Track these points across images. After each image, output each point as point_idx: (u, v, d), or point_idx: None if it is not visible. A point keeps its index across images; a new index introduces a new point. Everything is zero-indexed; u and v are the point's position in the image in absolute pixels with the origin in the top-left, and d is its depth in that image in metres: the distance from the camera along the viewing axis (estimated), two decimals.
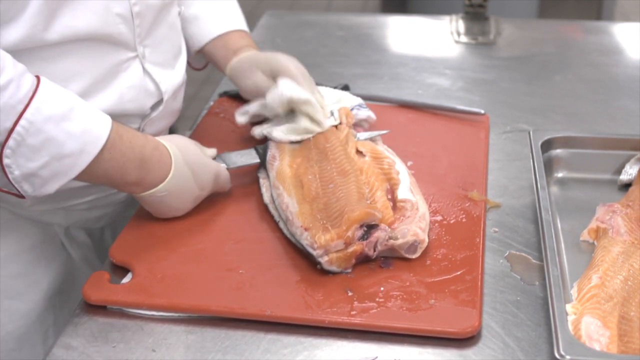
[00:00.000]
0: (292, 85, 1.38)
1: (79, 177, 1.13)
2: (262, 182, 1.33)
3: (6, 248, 1.32)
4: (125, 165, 1.16)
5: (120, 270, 1.18)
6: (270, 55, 1.46)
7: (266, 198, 1.29)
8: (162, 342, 1.06)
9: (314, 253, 1.13)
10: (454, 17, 2.20)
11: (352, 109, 1.46)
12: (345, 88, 1.67)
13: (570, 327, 1.01)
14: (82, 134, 1.10)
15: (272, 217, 1.26)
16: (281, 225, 1.23)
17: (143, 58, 1.31)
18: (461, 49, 2.05)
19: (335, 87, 1.61)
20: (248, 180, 1.38)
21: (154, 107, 1.35)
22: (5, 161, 1.08)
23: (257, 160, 1.37)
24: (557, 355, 0.96)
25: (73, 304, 1.34)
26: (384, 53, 2.02)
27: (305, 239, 1.15)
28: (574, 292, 1.11)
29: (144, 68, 1.31)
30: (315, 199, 1.23)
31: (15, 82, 1.05)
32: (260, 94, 1.44)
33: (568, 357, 0.95)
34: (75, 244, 1.44)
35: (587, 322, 1.02)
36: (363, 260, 1.16)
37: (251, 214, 1.29)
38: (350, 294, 1.11)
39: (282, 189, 1.26)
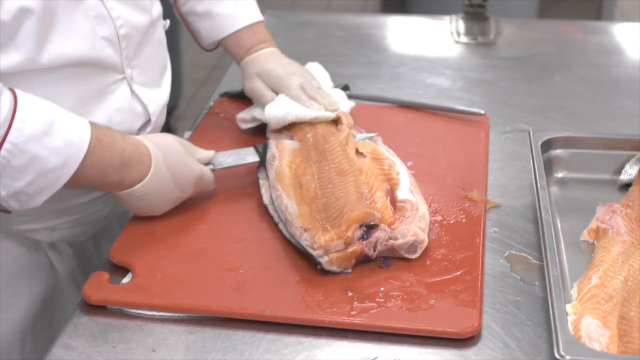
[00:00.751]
0: (287, 107, 1.43)
1: (64, 186, 1.14)
2: (262, 182, 1.33)
3: None
4: (105, 170, 1.17)
5: (120, 270, 1.18)
6: (274, 71, 1.51)
7: (265, 199, 1.29)
8: (162, 342, 1.06)
9: (314, 253, 1.13)
10: (454, 17, 2.19)
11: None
12: (345, 88, 1.68)
13: (570, 327, 1.01)
14: (64, 147, 1.10)
15: (272, 217, 1.26)
16: (281, 226, 1.23)
17: (131, 80, 1.31)
18: (461, 49, 2.05)
19: (335, 87, 1.62)
20: (248, 181, 1.38)
21: (142, 127, 1.36)
22: None
23: (246, 161, 1.37)
24: (557, 356, 0.96)
25: (55, 313, 1.39)
26: (384, 53, 2.02)
27: (305, 240, 1.15)
28: (574, 292, 1.11)
29: (131, 90, 1.32)
30: (314, 199, 1.23)
31: None
32: (256, 99, 1.52)
33: (568, 357, 0.95)
34: (59, 256, 1.43)
35: (587, 322, 1.02)
36: (363, 261, 1.16)
37: (251, 214, 1.29)
38: (350, 294, 1.11)
39: (281, 190, 1.26)
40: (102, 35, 1.23)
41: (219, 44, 1.60)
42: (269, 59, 1.54)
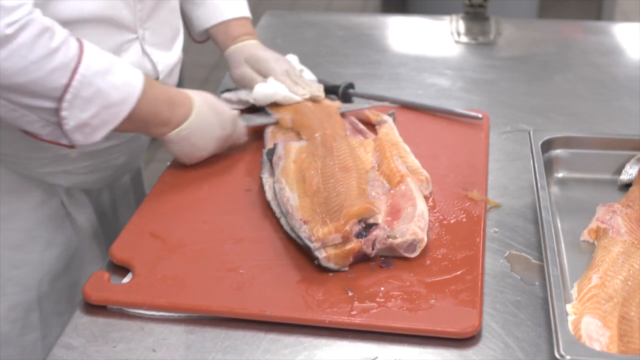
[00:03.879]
0: (276, 87, 1.53)
1: (120, 124, 1.25)
2: (265, 180, 1.33)
3: (10, 205, 1.42)
4: (157, 107, 1.30)
5: (121, 270, 1.18)
6: (261, 56, 1.61)
7: (269, 195, 1.30)
8: (162, 342, 1.06)
9: (312, 245, 1.14)
10: (454, 17, 2.20)
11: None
12: (350, 87, 1.70)
13: (571, 327, 1.01)
14: (123, 85, 1.24)
15: (273, 216, 1.26)
16: (282, 221, 1.24)
17: (143, 40, 1.40)
18: (461, 49, 2.05)
19: (339, 86, 1.69)
20: (249, 180, 1.38)
21: None
22: (63, 114, 1.20)
23: (270, 120, 1.51)
24: (557, 355, 0.96)
25: (73, 263, 1.50)
26: (384, 53, 2.02)
27: (303, 232, 1.16)
28: (574, 292, 1.11)
29: (143, 49, 1.40)
30: (316, 193, 1.23)
31: (66, 43, 1.18)
32: (246, 85, 1.60)
33: (568, 357, 0.95)
34: (75, 204, 1.51)
35: (587, 322, 1.02)
36: (362, 259, 1.16)
37: (251, 213, 1.29)
38: (350, 294, 1.11)
39: (285, 183, 1.27)
40: None
41: (208, 34, 1.68)
42: (254, 47, 1.64)
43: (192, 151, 1.38)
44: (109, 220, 1.63)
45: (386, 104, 1.63)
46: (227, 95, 1.61)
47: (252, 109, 1.59)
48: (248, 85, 1.59)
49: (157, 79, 1.43)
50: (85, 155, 1.42)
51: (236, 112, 1.44)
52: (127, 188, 1.68)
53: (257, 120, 1.52)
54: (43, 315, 1.49)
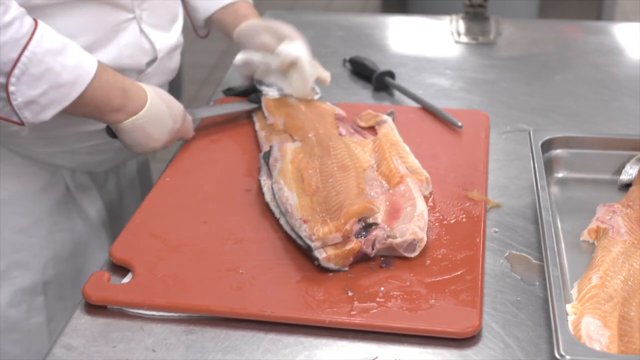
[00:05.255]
0: (301, 47, 1.57)
1: (71, 106, 1.28)
2: (264, 183, 1.33)
3: (14, 188, 1.45)
4: (110, 93, 1.32)
5: (121, 270, 1.18)
6: (276, 24, 1.63)
7: (267, 197, 1.29)
8: (162, 342, 1.06)
9: (312, 245, 1.14)
10: (454, 17, 2.20)
11: None
12: (390, 75, 1.76)
13: (571, 327, 1.01)
14: (75, 67, 1.27)
15: (272, 216, 1.26)
16: (282, 221, 1.24)
17: (140, 20, 1.44)
18: (461, 49, 2.05)
19: (374, 71, 1.76)
20: (249, 180, 1.38)
21: (149, 63, 1.48)
22: (11, 88, 1.22)
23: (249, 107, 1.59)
24: (557, 355, 0.96)
25: (79, 248, 1.53)
26: (384, 53, 2.02)
27: (303, 231, 1.16)
28: (574, 292, 1.11)
29: (140, 28, 1.45)
30: (315, 192, 1.24)
31: (19, 20, 1.21)
32: (265, 50, 1.60)
33: (568, 357, 0.95)
34: (80, 189, 1.55)
35: (587, 322, 1.02)
36: (362, 259, 1.16)
37: (251, 214, 1.29)
38: (350, 293, 1.11)
39: (283, 183, 1.27)
40: None
41: (212, 22, 1.69)
42: (267, 21, 1.65)
43: (146, 141, 1.40)
44: (115, 208, 1.66)
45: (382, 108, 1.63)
46: (243, 56, 1.62)
47: (245, 92, 1.64)
48: (269, 51, 1.59)
49: (155, 58, 1.48)
50: (85, 135, 1.46)
51: (183, 109, 1.48)
52: (133, 177, 1.72)
53: (203, 113, 1.56)
54: (48, 300, 1.51)
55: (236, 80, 1.78)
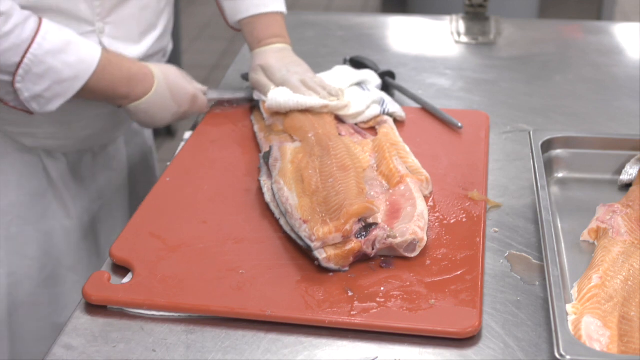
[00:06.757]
0: (288, 96, 1.50)
1: (76, 96, 1.41)
2: (264, 183, 1.33)
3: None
4: (114, 83, 1.44)
5: (121, 270, 1.18)
6: (276, 67, 1.58)
7: (267, 197, 1.29)
8: (162, 342, 1.06)
9: (312, 245, 1.14)
10: (454, 17, 2.20)
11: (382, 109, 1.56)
12: (390, 75, 1.73)
13: (571, 327, 1.01)
14: (77, 63, 1.39)
15: (272, 216, 1.26)
16: (282, 222, 1.24)
17: (101, 33, 1.49)
18: (461, 49, 2.05)
19: (376, 71, 1.72)
20: (249, 180, 1.38)
21: None
22: (17, 86, 1.37)
23: (236, 96, 1.63)
24: (557, 356, 0.96)
25: (48, 211, 1.62)
26: (384, 53, 2.02)
27: (304, 231, 1.16)
28: (574, 292, 1.11)
29: (100, 41, 1.49)
30: (315, 192, 1.24)
31: (20, 26, 1.33)
32: (259, 91, 1.60)
33: (568, 357, 0.95)
34: (52, 160, 1.61)
35: (587, 322, 1.02)
36: (362, 259, 1.16)
37: (251, 214, 1.29)
38: (350, 294, 1.11)
39: (283, 183, 1.27)
40: None
41: (240, 26, 1.68)
42: (275, 55, 1.60)
43: (150, 122, 1.53)
44: (85, 178, 1.70)
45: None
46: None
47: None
48: (262, 91, 1.58)
49: None
50: (45, 121, 1.53)
51: (197, 90, 1.56)
52: (112, 157, 1.75)
53: (221, 95, 1.64)
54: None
55: (236, 81, 1.78)
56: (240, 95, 1.65)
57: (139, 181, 1.83)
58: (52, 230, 1.61)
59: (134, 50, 1.54)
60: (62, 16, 1.43)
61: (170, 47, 1.71)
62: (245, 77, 1.70)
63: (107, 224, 1.74)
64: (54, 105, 1.40)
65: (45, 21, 1.36)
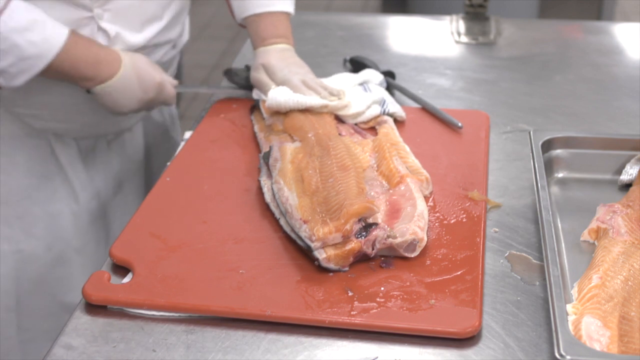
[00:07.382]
0: (288, 95, 1.50)
1: (41, 74, 1.43)
2: (264, 183, 1.33)
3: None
4: (79, 64, 1.46)
5: (121, 270, 1.18)
6: (277, 66, 1.58)
7: (267, 197, 1.29)
8: (163, 342, 1.06)
9: (312, 245, 1.14)
10: (454, 17, 2.20)
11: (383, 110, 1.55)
12: (390, 74, 1.73)
13: (571, 327, 1.01)
14: (41, 42, 1.40)
15: (272, 216, 1.26)
16: (282, 222, 1.24)
17: (100, 19, 1.51)
18: (461, 49, 2.05)
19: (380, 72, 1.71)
20: (249, 180, 1.38)
21: None
22: None
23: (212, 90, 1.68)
24: (557, 356, 0.96)
25: (55, 195, 1.64)
26: (384, 53, 2.02)
27: (304, 231, 1.16)
28: (574, 292, 1.11)
29: (98, 26, 1.51)
30: (315, 192, 1.24)
31: None
32: (260, 90, 1.60)
33: (568, 357, 0.95)
34: (61, 144, 1.63)
35: (587, 322, 1.02)
36: (362, 259, 1.16)
37: (251, 213, 1.29)
38: (350, 294, 1.11)
39: (283, 183, 1.27)
40: None
41: (246, 24, 1.68)
42: (277, 55, 1.61)
43: (114, 106, 1.53)
44: (98, 164, 1.71)
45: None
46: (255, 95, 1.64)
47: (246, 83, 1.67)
48: (262, 90, 1.59)
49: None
50: (43, 103, 1.56)
51: (164, 79, 1.56)
52: (128, 145, 1.77)
53: (199, 89, 1.74)
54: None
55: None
56: (215, 89, 1.67)
57: (156, 168, 1.84)
58: (60, 213, 1.63)
59: (134, 38, 1.55)
60: (59, 1, 1.45)
61: (184, 39, 1.73)
62: (248, 68, 1.71)
63: (120, 209, 1.75)
64: (19, 81, 1.42)
65: (15, 0, 1.38)
